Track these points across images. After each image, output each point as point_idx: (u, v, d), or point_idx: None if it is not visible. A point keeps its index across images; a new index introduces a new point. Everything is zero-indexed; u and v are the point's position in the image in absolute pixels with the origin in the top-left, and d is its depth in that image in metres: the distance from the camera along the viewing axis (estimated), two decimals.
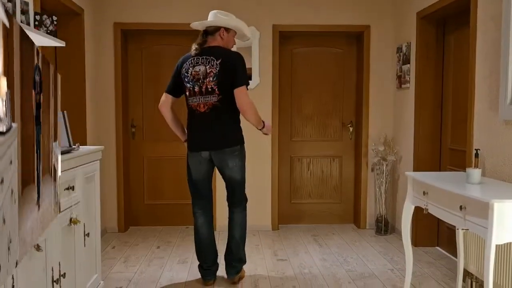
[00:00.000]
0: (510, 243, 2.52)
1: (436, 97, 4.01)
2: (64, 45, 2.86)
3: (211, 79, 2.99)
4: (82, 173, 2.52)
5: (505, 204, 2.12)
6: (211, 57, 3.02)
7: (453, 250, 3.64)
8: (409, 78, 4.20)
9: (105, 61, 4.46)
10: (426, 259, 3.75)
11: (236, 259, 3.23)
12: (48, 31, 2.69)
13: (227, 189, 3.23)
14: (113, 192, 4.56)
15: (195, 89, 3.04)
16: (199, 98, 3.04)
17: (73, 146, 2.51)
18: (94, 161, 2.72)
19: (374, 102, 4.66)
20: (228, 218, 3.25)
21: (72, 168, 2.35)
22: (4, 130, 2.05)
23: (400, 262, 3.66)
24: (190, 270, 3.51)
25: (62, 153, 2.26)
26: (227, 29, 3.09)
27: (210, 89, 3.00)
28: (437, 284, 3.22)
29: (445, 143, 3.95)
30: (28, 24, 2.49)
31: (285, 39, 4.68)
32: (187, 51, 4.67)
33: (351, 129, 4.82)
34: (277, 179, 4.67)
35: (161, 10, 4.48)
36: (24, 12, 2.47)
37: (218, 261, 3.30)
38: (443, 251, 3.95)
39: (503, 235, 2.13)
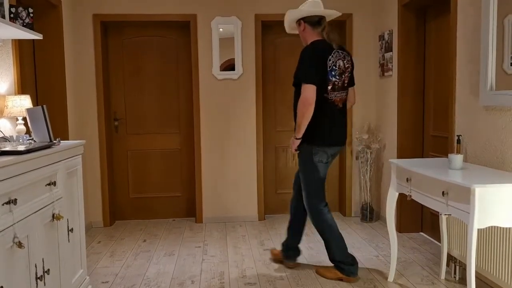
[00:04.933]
0: (491, 227, 2.57)
1: (418, 85, 4.04)
2: (41, 38, 2.80)
3: (347, 74, 3.08)
4: (64, 168, 2.48)
5: (486, 189, 2.16)
6: (345, 53, 3.08)
7: (437, 235, 3.69)
8: (392, 66, 4.22)
9: (85, 54, 4.39)
10: (411, 245, 3.80)
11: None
12: (24, 24, 2.63)
13: None
14: (97, 187, 4.52)
15: (339, 84, 3.02)
16: (340, 93, 3.04)
17: (54, 141, 2.46)
18: (76, 155, 2.68)
19: (357, 91, 4.62)
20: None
21: (53, 163, 2.32)
22: (23, 150, 2.00)
23: (386, 249, 3.70)
24: (177, 262, 3.50)
25: (43, 148, 2.23)
26: None
27: (345, 85, 3.08)
28: (421, 269, 3.27)
29: (428, 130, 3.99)
30: (3, 17, 2.42)
31: (268, 28, 4.65)
32: (168, 42, 4.65)
33: None
34: (262, 170, 4.67)
35: (141, 1, 4.41)
36: None
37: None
38: (427, 237, 4.00)
39: (484, 219, 2.17)
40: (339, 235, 3.12)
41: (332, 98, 3.01)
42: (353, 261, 3.10)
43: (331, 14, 3.10)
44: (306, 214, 3.29)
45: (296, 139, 3.04)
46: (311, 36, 3.06)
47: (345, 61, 3.05)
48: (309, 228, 4.33)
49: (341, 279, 3.10)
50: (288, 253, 3.37)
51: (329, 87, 2.97)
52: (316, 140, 3.02)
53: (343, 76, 3.04)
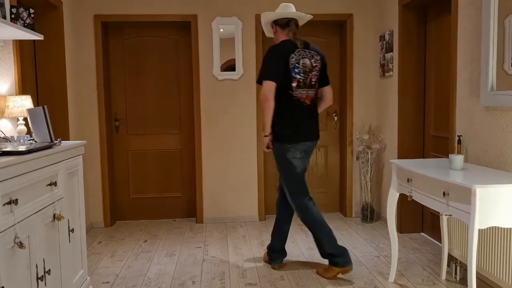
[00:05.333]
0: (492, 227, 2.56)
1: (419, 85, 4.04)
2: (42, 39, 2.80)
3: (315, 73, 3.13)
4: (65, 169, 2.48)
5: (487, 190, 2.16)
6: (313, 52, 3.15)
7: (438, 236, 3.69)
8: (392, 66, 4.22)
9: (85, 55, 4.39)
10: (412, 245, 3.80)
11: (284, 248, 3.41)
12: (25, 24, 2.63)
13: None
14: (98, 187, 4.52)
15: (305, 81, 3.08)
16: (306, 91, 3.09)
17: (55, 142, 2.46)
18: (76, 156, 2.68)
19: (358, 91, 4.68)
20: (286, 211, 3.32)
21: (54, 163, 2.32)
22: (24, 150, 2.01)
23: (386, 249, 3.70)
24: (178, 262, 3.50)
25: (43, 148, 2.23)
26: None
27: (313, 83, 3.13)
28: (422, 269, 3.27)
29: (428, 130, 3.99)
30: (4, 17, 2.43)
31: None
32: (168, 42, 4.65)
33: (335, 118, 4.84)
34: (263, 170, 4.67)
35: (141, 1, 4.42)
36: (0, 5, 2.41)
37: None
38: (428, 237, 4.00)
39: (485, 220, 2.17)
40: (327, 228, 3.14)
41: (297, 95, 3.07)
42: (343, 250, 3.12)
43: (302, 16, 3.18)
44: (291, 216, 3.35)
45: (264, 136, 3.13)
46: (281, 37, 3.17)
47: (312, 60, 3.11)
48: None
49: (339, 273, 3.11)
50: (272, 256, 3.38)
51: (294, 84, 3.05)
52: (285, 138, 3.10)
53: (310, 74, 3.10)
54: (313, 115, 3.19)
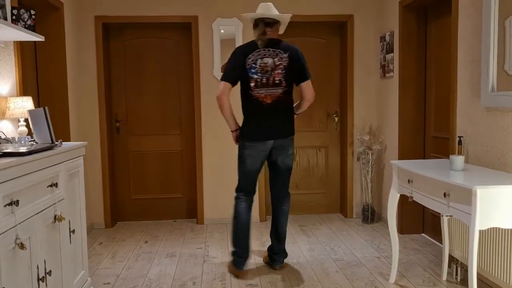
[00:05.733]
0: (493, 228, 2.56)
1: (419, 86, 4.04)
2: (43, 40, 2.80)
3: (279, 71, 3.11)
4: (66, 170, 2.49)
5: (488, 190, 2.16)
6: (278, 50, 3.13)
7: (439, 237, 3.69)
8: (393, 67, 4.22)
9: (86, 56, 4.40)
10: (412, 246, 3.79)
11: (283, 249, 3.41)
12: (26, 26, 2.63)
13: (276, 181, 3.34)
14: (99, 188, 4.52)
15: (263, 81, 3.09)
16: (266, 90, 3.10)
17: (56, 143, 2.47)
18: (77, 157, 2.69)
19: (358, 92, 4.68)
20: (276, 211, 3.37)
21: (55, 164, 2.32)
22: (25, 151, 2.02)
23: (387, 250, 3.70)
24: (179, 263, 3.50)
25: (44, 149, 2.23)
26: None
27: (277, 81, 3.11)
28: (423, 270, 3.27)
29: (429, 131, 3.99)
30: (5, 18, 2.43)
31: None
32: (169, 43, 4.66)
33: (336, 119, 4.84)
34: (263, 171, 4.67)
35: (142, 2, 4.42)
36: (1, 6, 2.41)
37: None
38: (428, 238, 4.00)
39: (486, 221, 2.17)
40: (241, 227, 3.22)
41: (256, 95, 3.10)
42: (243, 254, 3.21)
43: (280, 16, 3.16)
44: (287, 217, 3.41)
45: (231, 131, 3.24)
46: (255, 37, 3.21)
47: (276, 59, 3.10)
48: (310, 230, 4.34)
49: (231, 273, 3.23)
50: (273, 257, 3.40)
51: (252, 84, 3.09)
52: (245, 136, 3.18)
53: (273, 73, 3.09)
54: (276, 114, 3.14)
